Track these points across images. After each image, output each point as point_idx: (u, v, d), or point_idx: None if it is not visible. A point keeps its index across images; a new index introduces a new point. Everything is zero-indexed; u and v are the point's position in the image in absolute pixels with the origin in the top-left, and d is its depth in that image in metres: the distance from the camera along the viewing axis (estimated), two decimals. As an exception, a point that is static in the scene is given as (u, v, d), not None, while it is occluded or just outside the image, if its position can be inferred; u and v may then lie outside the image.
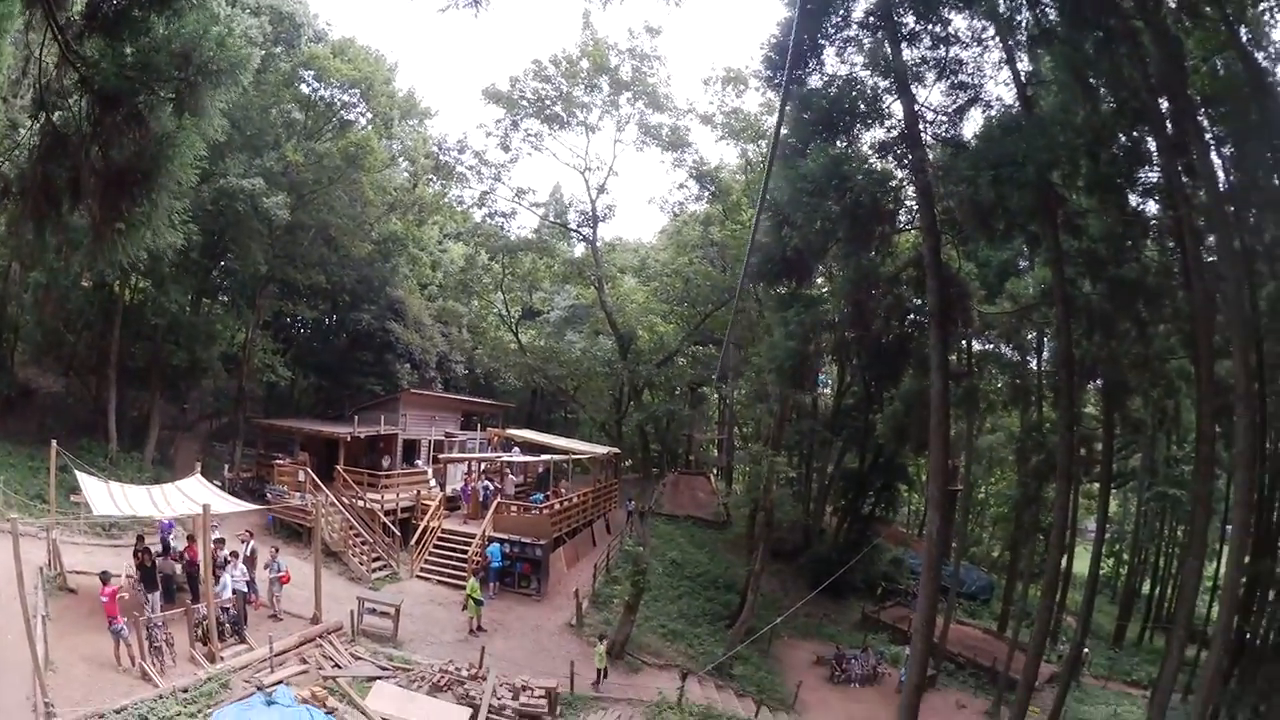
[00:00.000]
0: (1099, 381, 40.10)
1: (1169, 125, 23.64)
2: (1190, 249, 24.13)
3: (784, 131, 28.89)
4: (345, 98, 48.82)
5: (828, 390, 63.04)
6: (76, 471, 27.59)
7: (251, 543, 31.04)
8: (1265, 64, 24.67)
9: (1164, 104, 23.29)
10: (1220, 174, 24.58)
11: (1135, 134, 25.33)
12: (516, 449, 51.48)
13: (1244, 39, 23.70)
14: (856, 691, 39.70)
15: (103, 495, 26.82)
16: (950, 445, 66.95)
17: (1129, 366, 35.43)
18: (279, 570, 30.40)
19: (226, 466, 43.70)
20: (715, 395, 79.96)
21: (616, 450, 57.80)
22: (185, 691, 22.22)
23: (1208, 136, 24.13)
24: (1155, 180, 26.95)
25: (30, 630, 19.83)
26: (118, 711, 20.02)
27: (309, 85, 47.96)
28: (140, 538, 28.01)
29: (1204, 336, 23.84)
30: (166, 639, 23.98)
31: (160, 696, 21.46)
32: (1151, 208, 29.55)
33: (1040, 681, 40.66)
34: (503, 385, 69.63)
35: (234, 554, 29.45)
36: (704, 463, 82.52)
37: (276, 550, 31.67)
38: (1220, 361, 27.62)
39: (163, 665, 23.48)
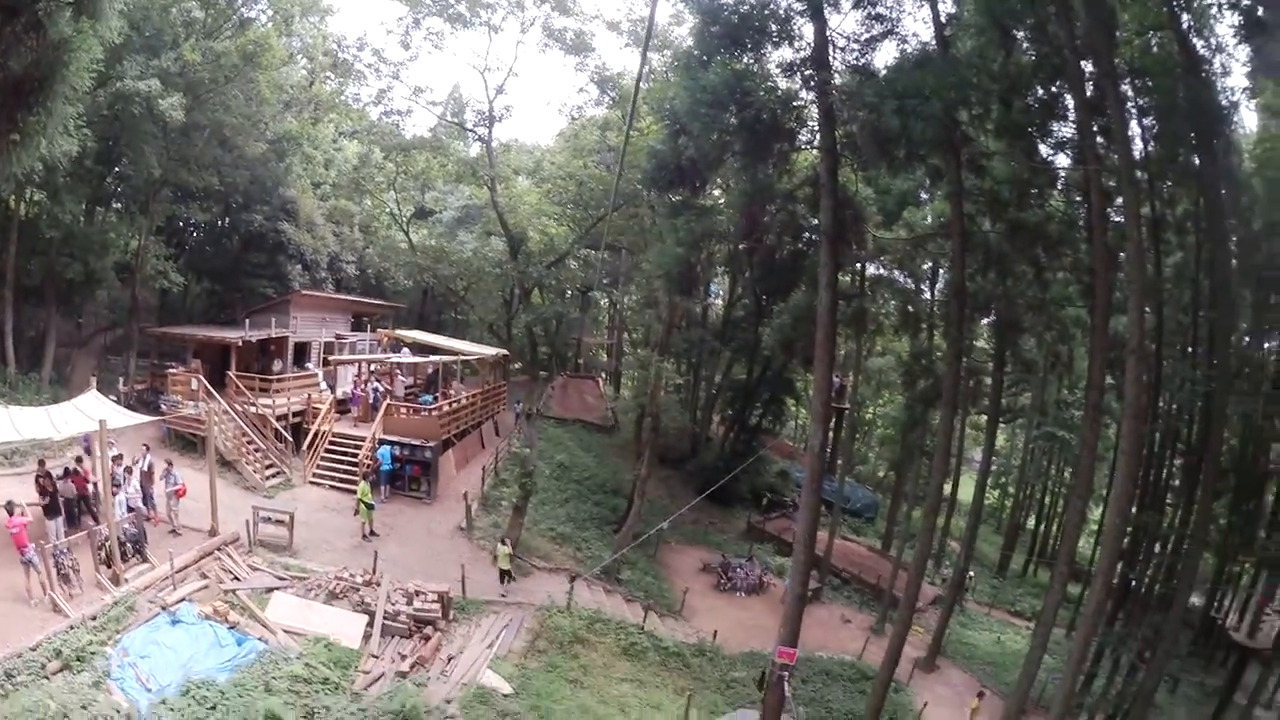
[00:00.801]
0: (992, 317, 41.32)
1: (1089, 87, 24.25)
2: (1097, 206, 24.90)
3: (689, 41, 28.81)
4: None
5: (719, 301, 63.95)
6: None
7: (149, 456, 30.52)
8: (1203, 51, 25.37)
9: (1087, 66, 23.84)
10: (1140, 143, 25.30)
11: (1053, 89, 25.92)
12: (406, 350, 50.98)
13: (1184, 23, 24.35)
14: (742, 600, 41.04)
15: (-1, 422, 25.97)
16: (837, 363, 68.86)
17: (1024, 307, 36.64)
18: (175, 483, 30.01)
19: (121, 380, 42.36)
20: (606, 300, 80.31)
21: (505, 352, 57.62)
22: (94, 619, 22.08)
23: (1130, 105, 24.79)
24: (1068, 136, 27.68)
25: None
26: (33, 649, 19.88)
27: (211, -20, 45.62)
28: (41, 462, 27.44)
29: (1103, 290, 24.84)
30: (73, 565, 23.71)
31: (71, 628, 21.29)
32: (1062, 160, 30.28)
33: (924, 602, 42.83)
34: (393, 286, 68.48)
35: (128, 470, 29.06)
36: (593, 367, 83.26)
37: (170, 463, 31.03)
38: (1117, 317, 28.79)
39: (71, 593, 23.22)
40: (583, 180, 54.08)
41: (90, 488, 28.12)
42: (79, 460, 29.59)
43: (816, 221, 36.89)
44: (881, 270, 51.68)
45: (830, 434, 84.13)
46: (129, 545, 26.27)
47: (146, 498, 29.52)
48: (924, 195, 40.76)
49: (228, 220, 55.25)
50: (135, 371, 44.97)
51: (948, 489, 46.63)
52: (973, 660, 40.40)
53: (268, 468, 37.91)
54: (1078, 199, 30.97)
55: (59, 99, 17.05)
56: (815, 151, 32.39)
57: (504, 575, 32.09)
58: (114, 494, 26.35)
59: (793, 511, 53.86)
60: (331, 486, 37.99)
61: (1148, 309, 24.57)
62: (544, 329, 62.91)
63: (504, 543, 32.38)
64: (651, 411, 42.27)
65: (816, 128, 27.84)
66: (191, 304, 55.39)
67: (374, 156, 59.51)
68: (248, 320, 45.16)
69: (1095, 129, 24.59)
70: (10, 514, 22.79)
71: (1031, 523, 67.95)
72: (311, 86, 55.72)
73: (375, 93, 54.41)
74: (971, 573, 47.86)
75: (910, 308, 50.90)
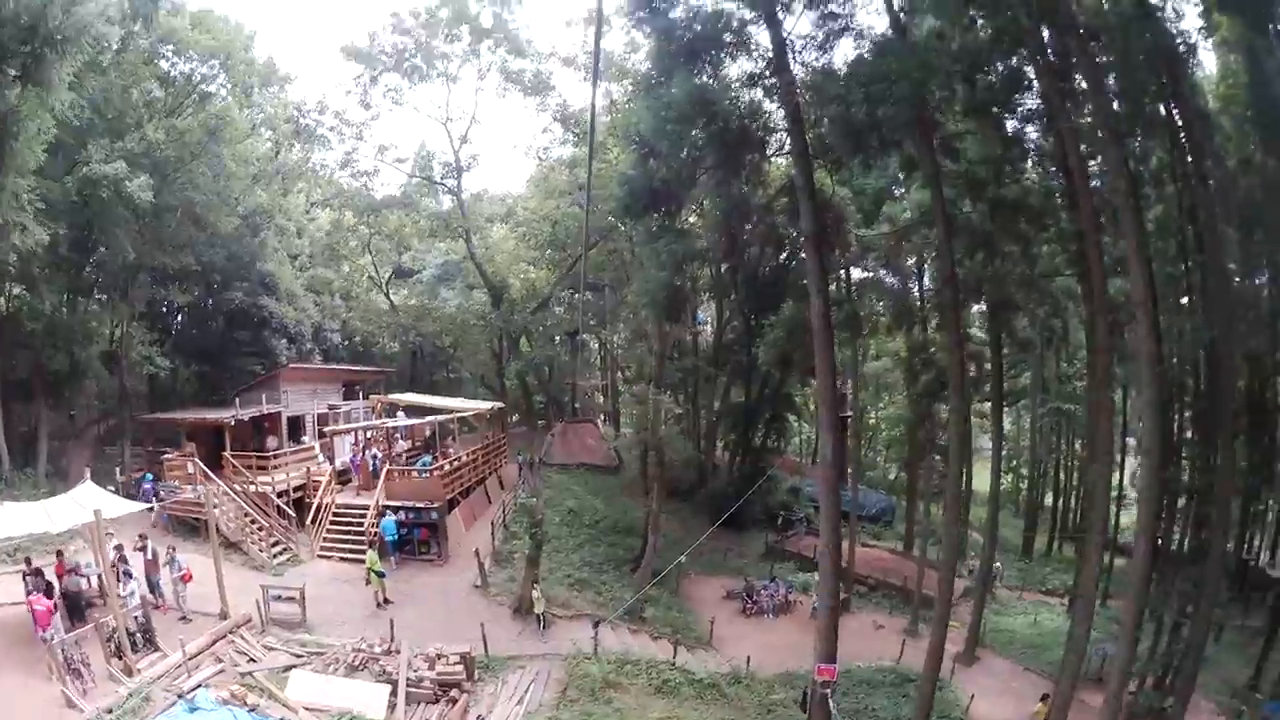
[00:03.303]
0: (984, 303, 40.87)
1: (1049, 52, 23.90)
2: (1076, 170, 24.54)
3: (646, 65, 28.52)
4: (205, 70, 46.66)
5: (708, 327, 63.77)
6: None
7: (149, 544, 30.05)
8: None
9: (1045, 32, 23.52)
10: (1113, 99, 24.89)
11: (1014, 60, 25.52)
12: (401, 413, 50.55)
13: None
14: (770, 622, 40.34)
15: (-6, 520, 25.29)
16: (836, 369, 68.17)
17: (1014, 285, 36.16)
18: (180, 569, 29.36)
19: (118, 469, 41.59)
20: (595, 343, 79.97)
21: (500, 405, 57.09)
22: (110, 713, 21.43)
23: (1096, 61, 24.36)
24: (1035, 106, 27.34)
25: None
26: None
27: (168, 60, 45.75)
28: (28, 560, 26.96)
29: (1094, 254, 24.31)
30: (83, 659, 23.00)
31: (86, 722, 20.53)
32: (1031, 132, 29.88)
33: (954, 596, 41.91)
34: (381, 350, 68.52)
35: (122, 559, 28.03)
36: (590, 410, 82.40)
37: (174, 549, 30.41)
38: (1110, 280, 28.31)
39: (84, 688, 22.51)
40: (557, 220, 53.98)
41: (86, 582, 27.47)
42: (59, 554, 28.66)
43: (796, 232, 36.53)
44: (867, 273, 51.39)
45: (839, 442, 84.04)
46: (138, 635, 25.59)
47: (153, 586, 29.26)
48: (899, 191, 40.53)
49: (210, 301, 55.26)
50: (130, 460, 44.44)
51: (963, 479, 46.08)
52: (1011, 646, 39.85)
53: (273, 545, 37.31)
54: (1053, 169, 30.67)
55: (10, 173, 16.53)
56: (787, 159, 31.96)
57: (540, 620, 31.99)
58: (122, 582, 25.83)
59: (803, 527, 54.06)
60: (340, 558, 37.21)
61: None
62: (537, 377, 62.47)
63: (535, 584, 32.48)
64: (654, 446, 41.66)
65: (786, 134, 27.46)
66: (182, 388, 55.08)
67: (346, 220, 59.26)
68: (238, 399, 44.48)
69: (1060, 93, 24.28)
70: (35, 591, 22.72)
71: (1049, 500, 67.11)
72: (277, 156, 55.53)
73: (341, 157, 54.35)
74: (997, 562, 47.44)
75: (903, 303, 50.02)
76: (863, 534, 52.88)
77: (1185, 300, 31.49)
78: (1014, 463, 70.21)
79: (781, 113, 27.18)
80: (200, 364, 55.09)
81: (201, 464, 38.88)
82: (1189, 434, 33.30)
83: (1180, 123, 26.87)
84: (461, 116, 53.59)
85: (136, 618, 25.84)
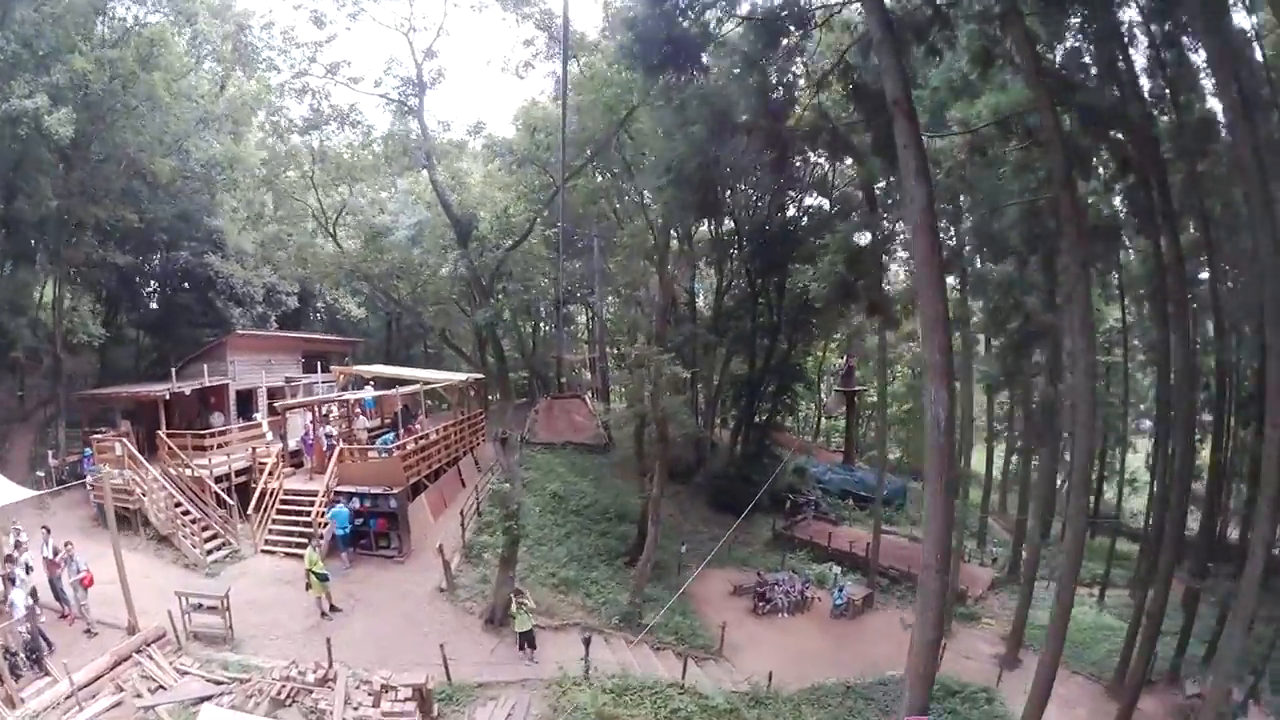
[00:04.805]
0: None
1: None
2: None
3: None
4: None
5: (700, 299, 60.42)
6: None
7: (49, 539, 25.54)
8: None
9: None
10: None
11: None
12: (369, 387, 46.43)
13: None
14: (785, 622, 35.78)
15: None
16: (843, 344, 64.09)
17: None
18: (78, 571, 24.54)
19: (50, 453, 38.12)
20: (583, 316, 77.62)
21: (479, 376, 51.73)
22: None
23: None
24: None
25: None
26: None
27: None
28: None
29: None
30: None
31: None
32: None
33: (981, 589, 40.52)
34: (347, 318, 63.53)
35: (9, 559, 23.72)
36: (577, 386, 77.89)
37: (70, 545, 25.30)
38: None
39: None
40: (537, 126, 47.51)
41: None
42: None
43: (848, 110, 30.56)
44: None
45: (823, 421, 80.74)
46: (22, 655, 21.52)
47: (58, 592, 25.09)
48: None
49: (157, 263, 50.82)
50: (66, 442, 40.24)
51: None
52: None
53: (210, 539, 32.13)
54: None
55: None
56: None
57: (523, 640, 26.15)
58: (3, 588, 22.89)
59: (812, 511, 50.20)
60: (286, 554, 31.81)
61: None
62: (519, 350, 57.18)
63: (518, 595, 26.50)
64: (655, 418, 35.56)
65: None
66: (140, 363, 51.00)
67: (279, 146, 51.95)
68: (174, 371, 39.73)
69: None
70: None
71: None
72: (223, 91, 49.45)
73: (294, 84, 48.08)
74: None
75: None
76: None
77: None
78: (1018, 443, 65.89)
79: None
80: (152, 335, 51.31)
81: (130, 445, 34.07)
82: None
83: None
84: (428, 27, 46.88)
85: (23, 633, 22.02)
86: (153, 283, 52.11)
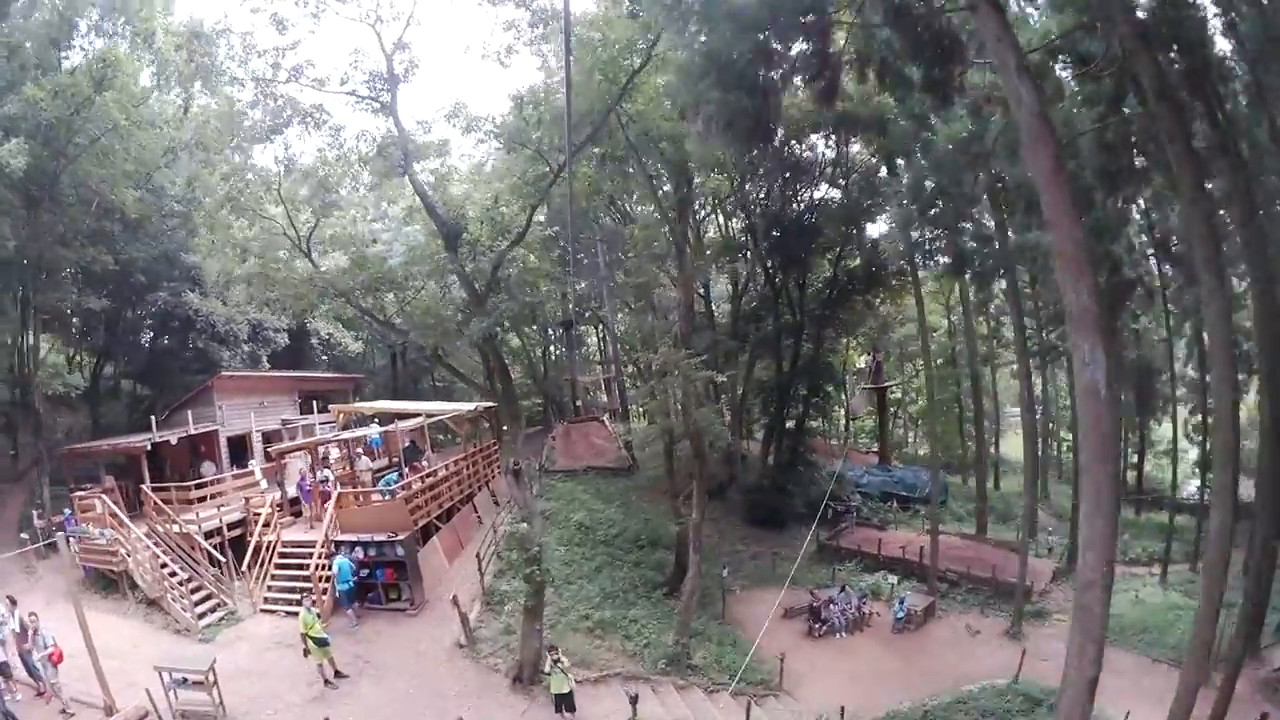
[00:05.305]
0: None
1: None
2: None
3: None
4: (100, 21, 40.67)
5: (715, 308, 58.45)
6: None
7: (15, 612, 23.10)
8: None
9: None
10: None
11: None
12: (374, 425, 43.61)
13: None
14: (844, 642, 33.53)
15: None
16: (870, 337, 61.88)
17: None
18: (46, 646, 21.87)
19: (36, 513, 35.68)
20: (593, 335, 76.87)
21: (490, 404, 48.57)
22: None
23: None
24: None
25: None
26: None
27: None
28: None
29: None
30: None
31: None
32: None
33: (1045, 582, 38.86)
34: (344, 354, 61.10)
35: None
36: (594, 409, 75.22)
37: (34, 616, 22.56)
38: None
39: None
40: (530, 100, 44.23)
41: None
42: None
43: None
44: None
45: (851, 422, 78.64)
46: None
47: (30, 668, 22.23)
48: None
49: (136, 307, 48.62)
50: (51, 501, 37.77)
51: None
52: (1124, 633, 32.92)
53: (202, 600, 29.19)
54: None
55: None
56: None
57: (561, 703, 22.67)
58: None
59: (853, 518, 47.84)
60: (287, 613, 28.61)
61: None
62: (530, 375, 54.43)
63: (552, 651, 22.95)
64: (689, 433, 32.48)
65: None
66: (133, 415, 48.55)
67: (239, 158, 48.77)
68: (157, 420, 37.34)
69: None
70: None
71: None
72: (186, 113, 46.88)
73: (251, 96, 45.24)
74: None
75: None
76: (920, 519, 48.46)
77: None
78: (1050, 425, 65.10)
79: None
80: (142, 384, 49.82)
81: (112, 502, 31.27)
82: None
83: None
84: (397, 17, 43.10)
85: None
86: (140, 330, 50.11)
